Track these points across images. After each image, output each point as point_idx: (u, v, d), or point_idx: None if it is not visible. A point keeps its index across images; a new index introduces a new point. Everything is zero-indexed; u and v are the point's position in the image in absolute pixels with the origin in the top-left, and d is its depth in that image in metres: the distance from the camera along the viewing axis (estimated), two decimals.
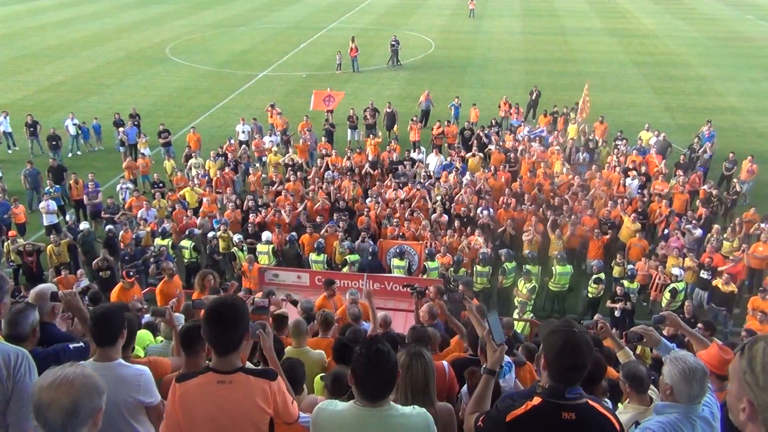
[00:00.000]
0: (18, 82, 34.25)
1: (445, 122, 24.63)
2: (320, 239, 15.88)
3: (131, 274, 12.28)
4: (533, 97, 27.96)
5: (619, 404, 5.40)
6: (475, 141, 22.58)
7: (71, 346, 4.25)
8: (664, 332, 9.37)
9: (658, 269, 14.92)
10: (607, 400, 4.74)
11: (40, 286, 4.93)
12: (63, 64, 37.82)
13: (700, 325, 9.75)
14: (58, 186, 19.19)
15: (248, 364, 4.90)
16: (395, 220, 16.99)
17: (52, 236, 16.02)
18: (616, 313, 13.81)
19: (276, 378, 3.50)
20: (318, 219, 17.18)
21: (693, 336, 5.32)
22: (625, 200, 17.91)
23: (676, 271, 14.40)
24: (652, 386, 4.77)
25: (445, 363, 4.86)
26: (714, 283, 14.46)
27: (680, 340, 8.59)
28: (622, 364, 4.93)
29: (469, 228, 16.64)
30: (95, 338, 4.08)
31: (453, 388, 4.99)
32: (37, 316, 4.19)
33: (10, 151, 24.89)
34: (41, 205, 18.11)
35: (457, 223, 16.79)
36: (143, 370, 4.13)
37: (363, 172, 20.26)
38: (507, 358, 5.18)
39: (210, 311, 3.38)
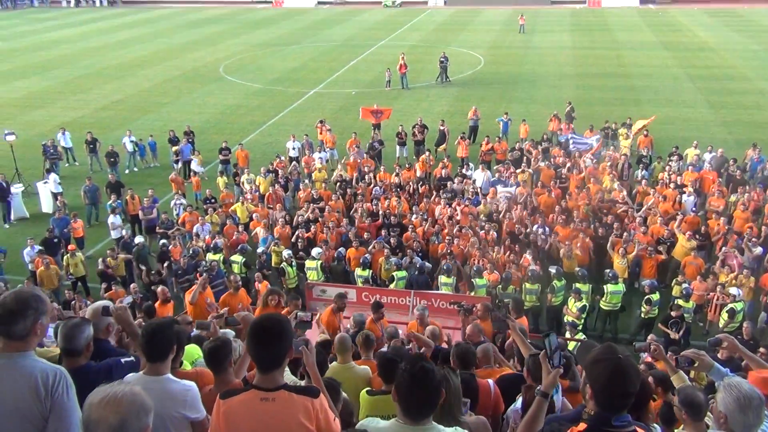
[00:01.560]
0: (79, 101, 35.59)
1: (495, 138, 24.49)
2: (366, 254, 15.94)
3: (203, 274, 12.45)
4: (566, 113, 27.36)
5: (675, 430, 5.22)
6: (525, 157, 22.43)
7: (123, 360, 4.37)
8: (719, 355, 9.05)
9: (717, 289, 14.44)
10: (656, 426, 4.56)
11: (95, 304, 5.09)
12: (122, 83, 39.16)
13: (762, 350, 9.35)
14: (120, 202, 19.74)
15: (293, 378, 4.94)
16: (451, 239, 16.82)
17: (108, 251, 16.52)
18: (672, 336, 13.40)
19: (319, 395, 3.52)
20: (365, 235, 17.23)
21: (752, 359, 5.11)
22: (678, 217, 17.44)
23: (734, 290, 13.90)
24: (709, 413, 4.58)
25: (490, 381, 4.80)
26: None
27: (737, 363, 8.27)
28: (678, 389, 4.75)
29: (518, 246, 16.44)
30: (146, 353, 4.19)
31: (498, 406, 4.92)
32: (92, 331, 4.31)
33: (68, 165, 25.84)
34: (110, 220, 18.82)
35: (507, 241, 16.62)
36: (191, 386, 4.21)
37: (411, 189, 20.22)
38: None
39: (255, 328, 3.42)
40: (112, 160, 23.69)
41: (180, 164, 24.35)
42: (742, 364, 6.90)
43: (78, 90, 37.93)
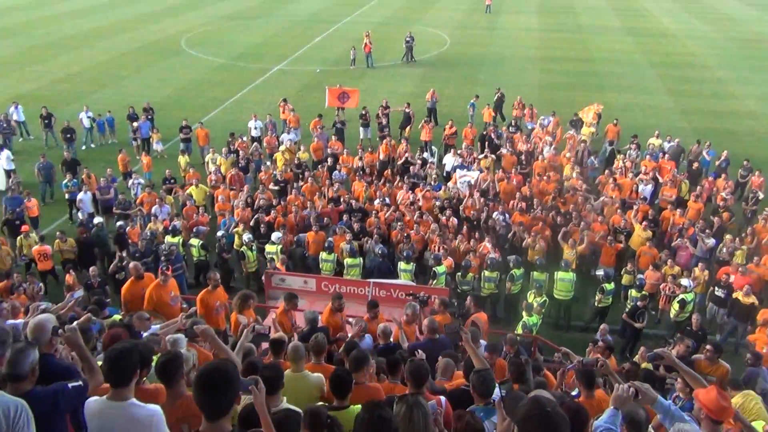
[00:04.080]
0: (33, 72, 34.50)
1: (467, 124, 24.41)
2: (330, 238, 15.89)
3: (167, 267, 12.00)
4: (496, 99, 27.45)
5: None
6: (487, 142, 22.54)
7: (69, 385, 4.27)
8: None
9: (668, 279, 14.79)
10: None
11: (39, 317, 4.96)
12: (79, 55, 38.04)
13: (708, 346, 9.62)
14: (75, 181, 19.26)
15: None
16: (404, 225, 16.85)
17: (58, 233, 16.13)
18: (637, 325, 13.71)
19: None
20: (326, 220, 17.16)
21: (689, 375, 5.31)
22: (635, 207, 17.77)
23: (685, 281, 14.26)
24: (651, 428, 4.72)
25: (442, 399, 4.88)
26: (734, 295, 14.23)
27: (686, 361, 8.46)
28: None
29: (477, 233, 16.57)
30: (109, 379, 4.14)
31: (449, 424, 4.99)
32: (37, 355, 4.21)
33: (21, 140, 25.12)
34: (79, 196, 18.55)
35: (465, 228, 16.72)
36: (155, 410, 4.16)
37: (372, 172, 20.17)
38: (501, 393, 5.16)
39: (201, 377, 3.40)
40: (68, 136, 23.07)
41: (139, 142, 23.88)
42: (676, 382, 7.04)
43: (33, 61, 36.71)
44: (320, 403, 5.44)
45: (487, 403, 5.01)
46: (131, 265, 11.98)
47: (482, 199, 18.15)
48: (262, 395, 4.07)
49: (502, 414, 3.84)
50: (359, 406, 5.30)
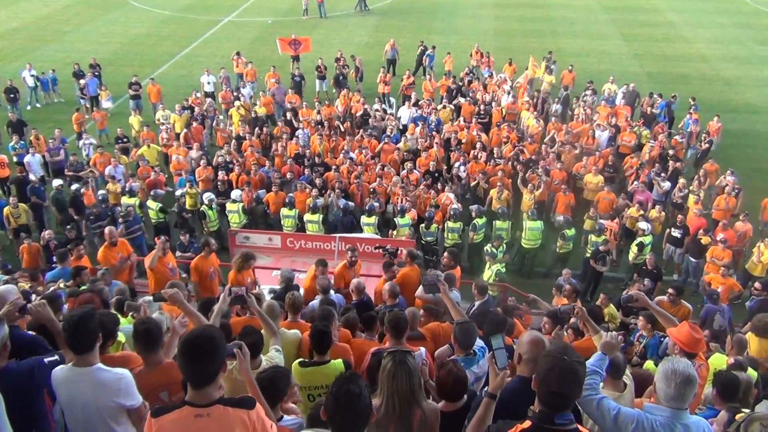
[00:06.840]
0: None
1: (428, 77, 24.16)
2: (290, 194, 15.71)
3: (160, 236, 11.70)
4: (419, 51, 27.14)
5: None
6: (445, 93, 22.41)
7: (45, 360, 4.17)
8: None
9: (620, 218, 15.18)
10: None
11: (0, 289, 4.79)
12: (17, 9, 36.32)
13: (670, 290, 9.95)
14: (23, 143, 18.51)
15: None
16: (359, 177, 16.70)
17: (12, 198, 15.54)
18: (599, 268, 14.00)
19: (254, 406, 3.45)
20: (288, 176, 16.95)
21: (660, 315, 5.48)
22: (597, 154, 17.98)
23: (643, 225, 14.57)
24: (627, 372, 4.86)
25: (422, 350, 4.90)
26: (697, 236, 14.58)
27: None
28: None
29: (439, 183, 16.59)
30: (71, 347, 4.04)
31: (432, 374, 5.06)
32: (6, 330, 4.07)
33: None
34: (26, 159, 17.57)
35: (425, 179, 16.71)
36: (123, 373, 4.11)
37: (331, 126, 19.91)
38: (480, 343, 5.25)
39: (186, 344, 3.27)
40: (11, 96, 22.11)
41: (86, 100, 23.02)
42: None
43: None
44: (299, 359, 5.43)
45: (468, 354, 5.10)
46: (106, 230, 11.80)
47: (441, 150, 18.07)
48: (246, 360, 4.01)
49: (494, 369, 3.85)
50: (340, 360, 5.37)
